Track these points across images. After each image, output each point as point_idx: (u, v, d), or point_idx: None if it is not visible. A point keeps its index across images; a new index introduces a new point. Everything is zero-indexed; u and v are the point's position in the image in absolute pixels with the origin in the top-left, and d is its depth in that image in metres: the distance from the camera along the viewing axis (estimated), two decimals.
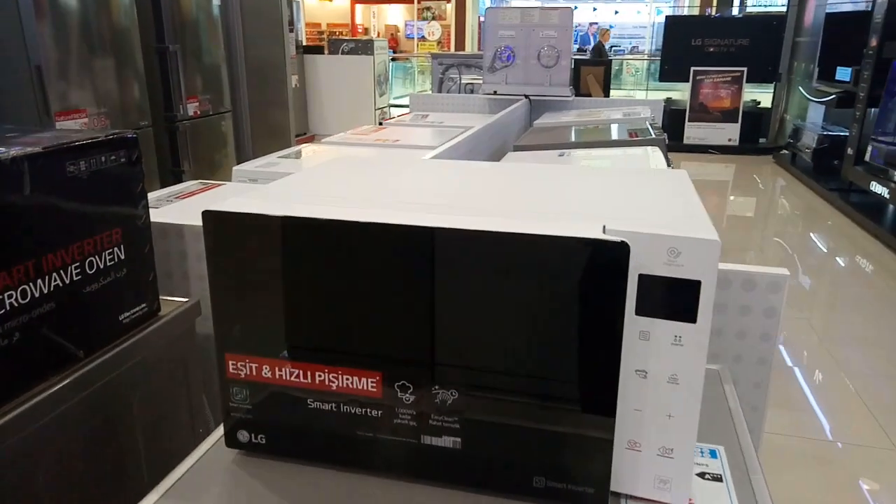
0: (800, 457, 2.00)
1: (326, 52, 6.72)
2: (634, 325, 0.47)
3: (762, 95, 7.34)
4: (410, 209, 0.53)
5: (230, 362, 0.54)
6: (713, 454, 0.58)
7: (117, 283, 0.77)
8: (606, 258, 0.45)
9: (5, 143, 0.66)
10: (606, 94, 4.58)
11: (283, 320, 0.52)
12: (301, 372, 0.52)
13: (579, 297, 0.46)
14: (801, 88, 6.36)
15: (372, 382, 0.51)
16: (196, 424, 0.93)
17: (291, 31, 4.81)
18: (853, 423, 2.15)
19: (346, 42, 6.69)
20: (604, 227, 0.47)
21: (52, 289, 0.68)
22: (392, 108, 7.36)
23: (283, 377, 0.53)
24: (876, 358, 2.58)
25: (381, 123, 2.73)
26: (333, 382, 0.52)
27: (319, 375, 0.52)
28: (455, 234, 0.47)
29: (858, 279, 3.50)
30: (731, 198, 5.04)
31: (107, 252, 0.75)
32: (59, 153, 0.68)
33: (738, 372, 0.85)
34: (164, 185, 1.44)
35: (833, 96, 5.34)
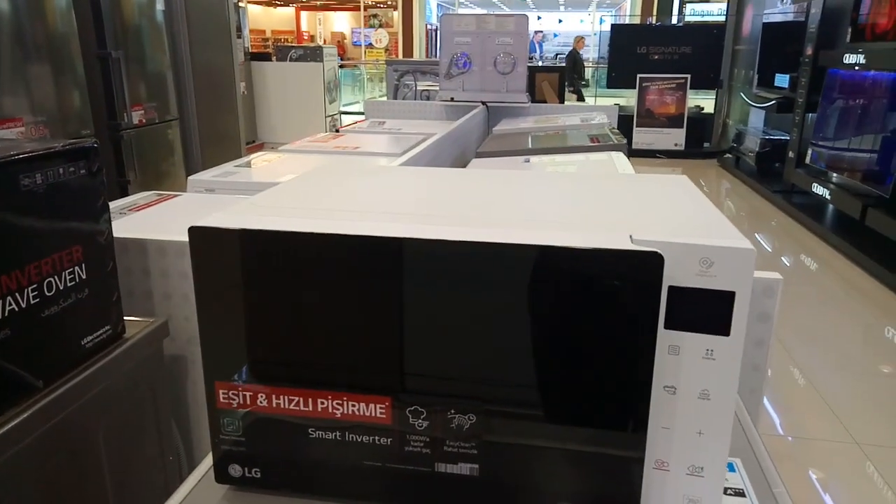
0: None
1: (274, 58, 6.59)
2: (664, 339, 0.45)
3: (705, 101, 7.57)
4: (414, 220, 0.49)
5: (220, 391, 0.49)
6: (731, 467, 0.56)
7: (79, 305, 0.70)
8: (638, 270, 0.42)
9: None
10: (561, 101, 4.63)
11: (279, 344, 0.47)
12: (301, 399, 0.48)
13: (608, 311, 0.43)
14: (742, 94, 6.59)
15: (381, 408, 0.47)
16: (165, 452, 0.87)
17: (239, 37, 4.69)
18: (807, 417, 2.21)
19: (295, 49, 6.58)
20: (630, 236, 0.44)
21: (6, 314, 0.61)
22: (343, 116, 7.27)
23: (282, 405, 0.48)
24: (825, 352, 2.66)
25: (337, 130, 2.67)
26: (338, 409, 0.48)
27: (322, 402, 0.48)
28: (473, 248, 0.43)
29: (804, 277, 3.63)
30: None
31: (66, 271, 0.69)
32: (11, 165, 0.61)
33: None
34: (109, 197, 1.36)
35: (773, 102, 5.55)
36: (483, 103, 2.98)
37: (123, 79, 3.07)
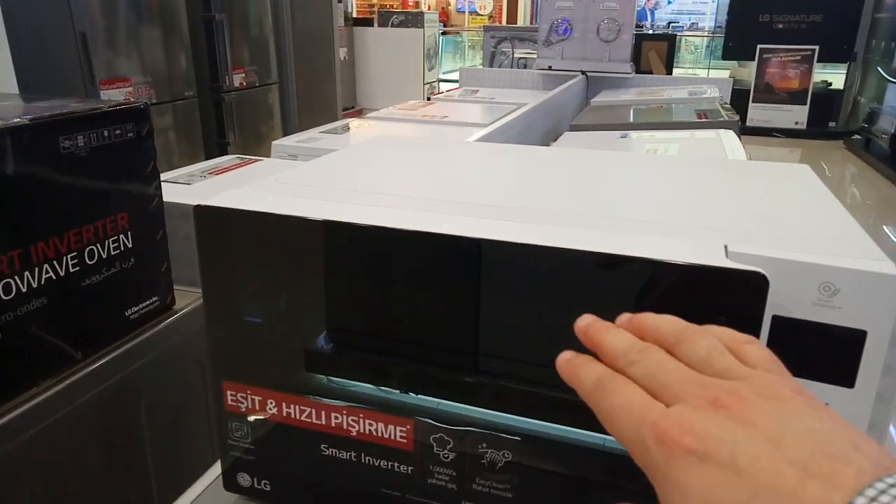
0: None
1: (376, 24, 6.59)
2: None
3: (834, 76, 6.89)
4: (457, 211, 0.41)
5: (228, 392, 0.44)
6: None
7: (123, 275, 0.68)
8: (731, 294, 0.32)
9: None
10: (669, 72, 4.33)
11: (290, 344, 0.41)
12: (313, 411, 0.42)
13: None
14: (879, 69, 5.93)
15: (402, 431, 0.40)
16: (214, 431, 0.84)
17: (340, 1, 4.69)
18: None
19: (396, 14, 6.55)
20: (725, 247, 0.34)
21: (42, 282, 0.59)
22: (441, 83, 7.20)
23: (292, 415, 0.42)
24: None
25: (428, 99, 2.60)
26: (353, 427, 0.41)
27: (336, 417, 0.41)
28: (520, 250, 0.35)
29: None
30: None
31: (111, 240, 0.66)
32: (49, 126, 0.58)
33: None
34: (208, 158, 1.36)
35: None
36: (582, 72, 2.81)
37: (227, 42, 3.14)
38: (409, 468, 0.41)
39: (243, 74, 3.30)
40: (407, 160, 0.59)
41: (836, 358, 0.33)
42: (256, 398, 0.43)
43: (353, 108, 6.24)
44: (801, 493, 0.21)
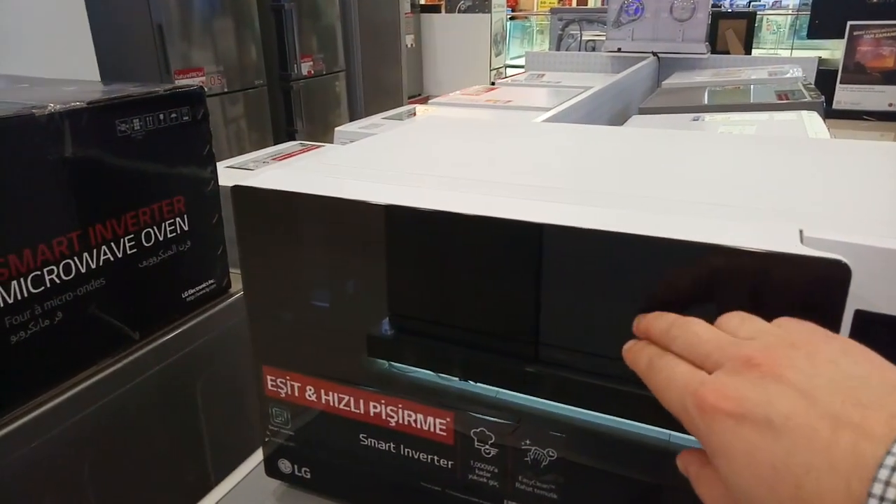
0: None
1: (443, 10, 6.56)
2: None
3: None
4: (514, 193, 0.39)
5: (268, 377, 0.43)
6: None
7: (180, 257, 0.69)
8: (809, 284, 0.28)
9: (56, 97, 0.58)
10: (748, 52, 4.11)
11: (330, 329, 0.40)
12: (352, 399, 0.40)
13: None
14: None
15: (441, 424, 0.38)
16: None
17: None
18: None
19: (463, 0, 6.49)
20: (801, 232, 0.30)
21: (101, 263, 0.60)
22: (508, 69, 7.11)
23: (331, 403, 0.41)
24: None
25: (493, 83, 2.56)
26: (392, 418, 0.39)
27: (374, 406, 0.40)
28: (572, 233, 0.32)
29: None
30: None
31: (167, 223, 0.67)
32: (106, 109, 0.59)
33: None
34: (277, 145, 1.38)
35: None
36: (654, 54, 2.70)
37: (295, 30, 3.19)
38: (450, 462, 0.39)
39: (311, 63, 3.35)
40: (457, 140, 0.57)
41: None
42: (296, 384, 0.42)
43: (419, 95, 6.25)
44: (835, 446, 0.21)
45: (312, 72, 3.38)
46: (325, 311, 0.40)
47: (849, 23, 6.84)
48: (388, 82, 4.17)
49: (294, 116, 3.28)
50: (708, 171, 0.45)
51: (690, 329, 0.28)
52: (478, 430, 0.37)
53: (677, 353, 0.28)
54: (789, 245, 0.29)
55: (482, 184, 0.40)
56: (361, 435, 0.41)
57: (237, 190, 0.39)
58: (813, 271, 0.28)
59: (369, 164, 0.46)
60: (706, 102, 1.99)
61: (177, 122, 0.66)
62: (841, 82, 6.81)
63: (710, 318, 0.29)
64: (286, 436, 0.44)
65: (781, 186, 0.39)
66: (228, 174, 1.16)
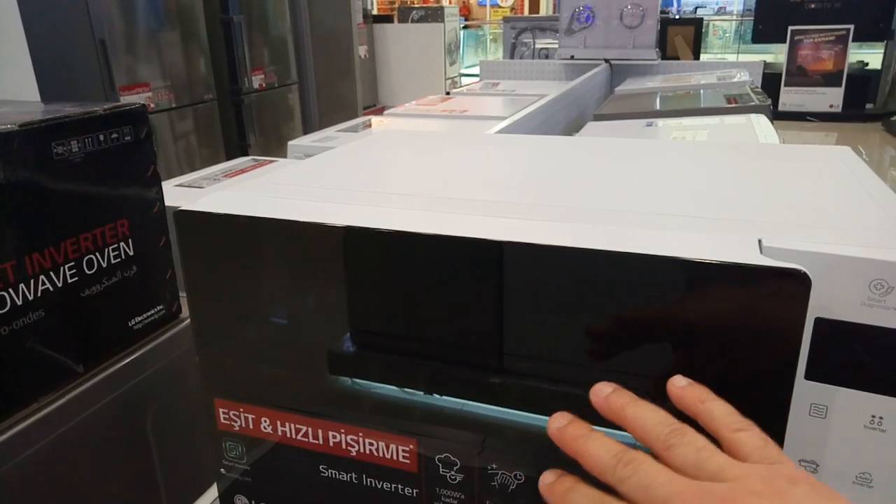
0: None
1: (396, 20, 6.56)
2: (803, 394, 0.30)
3: (870, 56, 6.65)
4: (470, 210, 0.38)
5: (220, 410, 0.41)
6: None
7: (125, 284, 0.65)
8: (768, 295, 0.28)
9: None
10: (697, 57, 4.22)
11: (284, 356, 0.38)
12: (310, 430, 0.38)
13: (720, 349, 0.29)
14: None
15: (405, 451, 0.37)
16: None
17: None
18: None
19: (416, 10, 6.51)
20: (760, 242, 0.30)
21: (38, 294, 0.57)
22: (463, 78, 7.15)
23: (287, 433, 0.39)
24: None
25: (448, 93, 2.56)
26: (352, 447, 0.38)
27: (334, 436, 0.38)
28: (529, 250, 0.31)
29: None
30: None
31: (110, 248, 0.63)
32: (40, 132, 0.56)
33: None
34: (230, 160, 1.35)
35: None
36: (606, 61, 2.75)
37: (245, 43, 3.14)
38: (415, 491, 0.37)
39: (262, 76, 3.30)
40: (410, 155, 0.56)
41: (889, 365, 0.28)
42: (250, 416, 0.40)
43: (374, 105, 6.23)
44: None
45: (264, 85, 3.33)
46: (278, 337, 0.38)
47: (790, 27, 7.09)
48: (342, 94, 4.14)
49: (247, 131, 3.22)
50: (664, 180, 0.44)
51: (642, 469, 0.26)
52: (442, 455, 0.36)
53: (626, 493, 0.26)
54: (749, 256, 0.28)
55: (434, 200, 0.39)
56: (321, 466, 0.39)
57: (180, 214, 0.37)
58: (773, 282, 0.27)
59: (319, 182, 0.45)
60: (658, 108, 2.03)
61: (118, 142, 0.63)
62: (785, 85, 7.05)
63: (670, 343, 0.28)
64: (241, 470, 0.42)
65: (738, 194, 0.39)
66: (178, 193, 1.13)
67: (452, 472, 0.36)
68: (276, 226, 0.35)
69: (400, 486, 0.37)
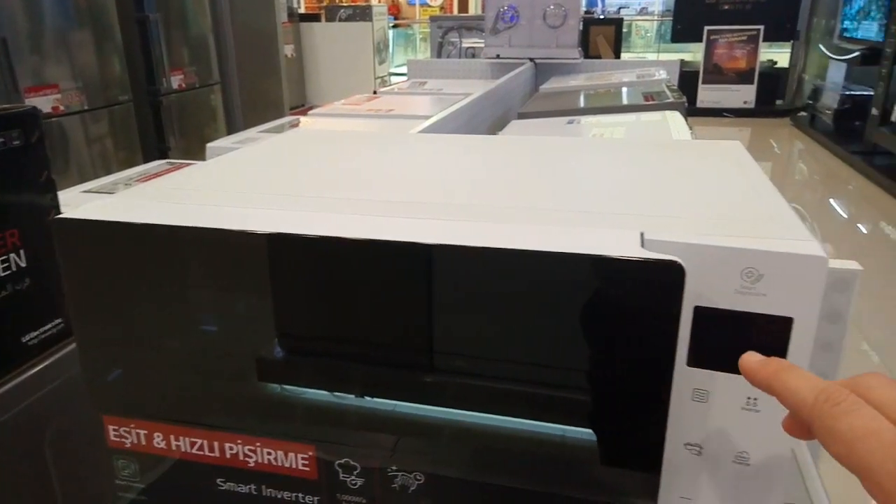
0: None
1: (323, 19, 6.47)
2: (686, 380, 0.31)
3: (780, 55, 7.02)
4: (383, 211, 0.37)
5: (110, 427, 0.39)
6: None
7: (17, 298, 0.61)
8: (647, 286, 0.28)
9: None
10: (617, 56, 4.35)
11: (173, 371, 0.36)
12: (205, 443, 0.37)
13: (604, 340, 0.30)
14: (821, 46, 6.07)
15: (303, 459, 0.36)
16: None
17: None
18: None
19: (344, 9, 6.44)
20: (641, 234, 0.30)
21: None
22: (393, 77, 7.13)
23: (182, 448, 0.38)
24: None
25: (375, 92, 2.54)
26: (250, 458, 0.37)
27: (230, 448, 0.37)
28: (413, 249, 0.31)
29: (882, 247, 3.31)
30: None
31: None
32: None
33: None
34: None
35: (856, 53, 5.08)
36: (531, 60, 2.79)
37: (162, 42, 3.02)
38: (315, 499, 0.36)
39: (182, 76, 3.19)
40: (321, 155, 0.55)
41: (763, 348, 0.29)
42: (141, 432, 0.38)
43: (303, 105, 6.12)
44: None
45: (184, 85, 3.21)
46: (165, 348, 0.36)
47: (706, 28, 7.39)
48: (267, 94, 4.04)
49: (166, 133, 3.10)
50: (562, 177, 0.45)
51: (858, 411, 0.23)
52: (342, 461, 0.35)
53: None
54: (629, 249, 0.29)
55: (332, 201, 0.39)
56: (219, 480, 0.38)
57: (58, 222, 0.35)
58: (651, 273, 0.28)
59: (219, 184, 0.43)
60: (580, 105, 2.07)
61: (6, 147, 0.59)
62: (702, 83, 7.34)
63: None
64: (137, 489, 0.40)
65: (628, 190, 0.40)
66: (84, 199, 1.07)
67: (353, 477, 0.35)
68: (160, 232, 0.34)
69: (300, 495, 0.37)
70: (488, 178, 0.45)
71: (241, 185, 0.43)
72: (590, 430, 0.32)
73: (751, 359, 0.28)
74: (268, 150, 0.57)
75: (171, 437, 0.37)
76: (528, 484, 0.34)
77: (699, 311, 0.30)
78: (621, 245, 0.29)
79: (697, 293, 0.30)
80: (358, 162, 0.51)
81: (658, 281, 0.28)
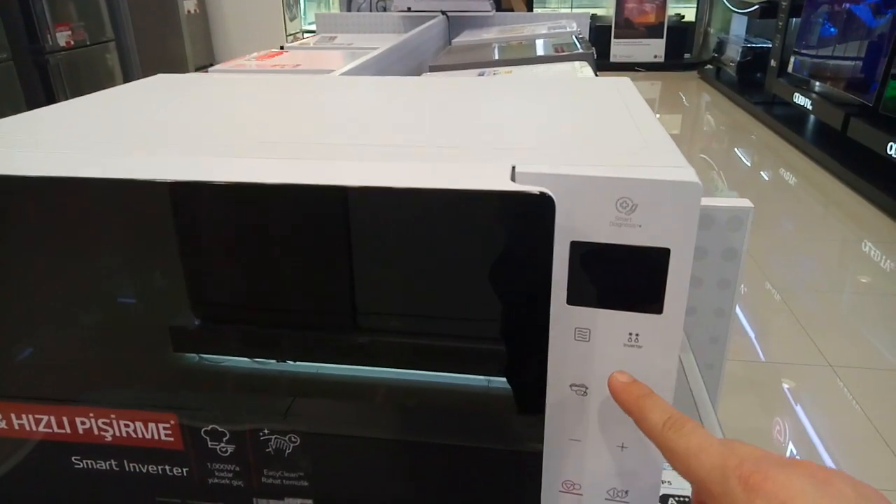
0: (734, 380, 1.96)
1: None
2: (567, 319, 0.30)
3: (687, 9, 7.20)
4: (254, 153, 0.33)
5: None
6: None
7: None
8: (517, 220, 0.27)
9: None
10: (530, 9, 4.33)
11: (14, 335, 0.32)
12: (53, 419, 0.33)
13: (479, 279, 0.28)
14: (724, 0, 6.27)
15: (165, 428, 0.33)
16: None
17: None
18: (785, 341, 2.14)
19: None
20: (513, 167, 0.28)
21: None
22: (306, 35, 6.86)
23: (28, 427, 0.34)
24: (800, 270, 2.57)
25: (282, 48, 2.42)
26: (107, 431, 0.33)
27: (83, 422, 0.33)
28: (265, 190, 0.28)
29: (782, 192, 3.51)
30: (657, 116, 4.94)
31: None
32: None
33: (689, 325, 0.71)
34: None
35: (756, 6, 5.26)
36: (443, 13, 2.73)
37: None
38: (184, 469, 0.34)
39: (69, 32, 2.94)
40: (177, 102, 0.50)
41: (640, 282, 0.29)
42: None
43: (211, 65, 5.80)
44: None
45: (73, 42, 2.97)
46: (12, 312, 0.32)
47: None
48: (169, 52, 3.81)
49: (56, 92, 2.87)
50: (444, 115, 0.43)
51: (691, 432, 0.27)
52: (208, 428, 0.32)
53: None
54: (498, 182, 0.27)
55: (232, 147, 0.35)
56: (74, 458, 0.34)
57: None
58: (521, 206, 0.26)
59: (50, 134, 0.38)
60: (494, 58, 2.05)
61: None
62: (615, 37, 7.44)
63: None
64: None
65: (508, 125, 0.38)
66: None
67: (222, 444, 0.33)
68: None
69: (168, 467, 0.34)
70: (376, 119, 0.42)
71: (125, 129, 0.38)
72: (468, 376, 0.30)
73: (619, 378, 0.30)
74: (121, 96, 0.51)
75: (11, 415, 0.33)
76: (409, 435, 0.32)
77: (575, 247, 0.29)
78: (490, 179, 0.27)
79: (572, 227, 0.28)
80: (231, 106, 0.47)
81: (528, 214, 0.26)
